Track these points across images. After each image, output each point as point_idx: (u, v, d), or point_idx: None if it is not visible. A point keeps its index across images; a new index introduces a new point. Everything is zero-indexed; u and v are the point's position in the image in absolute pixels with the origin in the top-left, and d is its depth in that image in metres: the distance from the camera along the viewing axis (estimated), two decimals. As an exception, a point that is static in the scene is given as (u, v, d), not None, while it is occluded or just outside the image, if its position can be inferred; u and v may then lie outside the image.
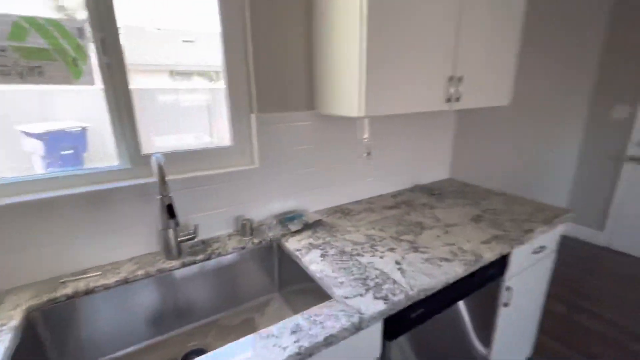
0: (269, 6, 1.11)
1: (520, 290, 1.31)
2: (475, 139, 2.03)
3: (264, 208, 1.28)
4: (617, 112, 2.61)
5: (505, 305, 1.25)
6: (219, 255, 1.08)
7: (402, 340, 0.93)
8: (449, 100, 1.23)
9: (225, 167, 1.19)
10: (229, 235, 1.19)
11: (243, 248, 1.12)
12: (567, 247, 2.84)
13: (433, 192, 1.61)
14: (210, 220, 1.16)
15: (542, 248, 1.31)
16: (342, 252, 1.06)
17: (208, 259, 1.06)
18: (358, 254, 1.05)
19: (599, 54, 2.63)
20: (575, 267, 2.55)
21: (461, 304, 1.09)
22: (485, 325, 1.25)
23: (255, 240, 1.15)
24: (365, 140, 1.50)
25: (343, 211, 1.42)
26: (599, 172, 2.80)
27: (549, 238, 1.34)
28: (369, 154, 1.51)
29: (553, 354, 1.72)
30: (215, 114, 1.37)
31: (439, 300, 0.98)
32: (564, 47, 2.34)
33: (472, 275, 1.03)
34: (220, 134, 1.28)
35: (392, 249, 1.07)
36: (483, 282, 1.12)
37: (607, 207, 2.79)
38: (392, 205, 1.48)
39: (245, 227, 1.17)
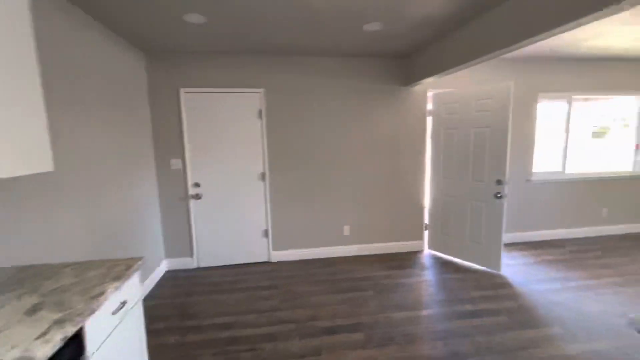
0: None
1: (113, 356, 1.27)
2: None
3: None
4: (174, 164, 3.40)
5: (99, 382, 1.16)
6: None
7: None
8: (-60, 177, 0.92)
9: None
10: None
11: None
12: (172, 280, 3.26)
13: (-37, 298, 1.14)
14: None
15: (123, 303, 1.36)
16: None
17: None
18: None
19: (151, 125, 3.29)
20: (180, 295, 2.99)
21: None
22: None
23: None
24: None
25: None
26: (177, 211, 3.49)
27: (127, 290, 1.42)
28: None
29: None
30: None
31: None
32: (127, 123, 2.70)
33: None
34: None
35: None
36: (55, 380, 0.95)
37: (190, 236, 3.55)
38: None
39: None
